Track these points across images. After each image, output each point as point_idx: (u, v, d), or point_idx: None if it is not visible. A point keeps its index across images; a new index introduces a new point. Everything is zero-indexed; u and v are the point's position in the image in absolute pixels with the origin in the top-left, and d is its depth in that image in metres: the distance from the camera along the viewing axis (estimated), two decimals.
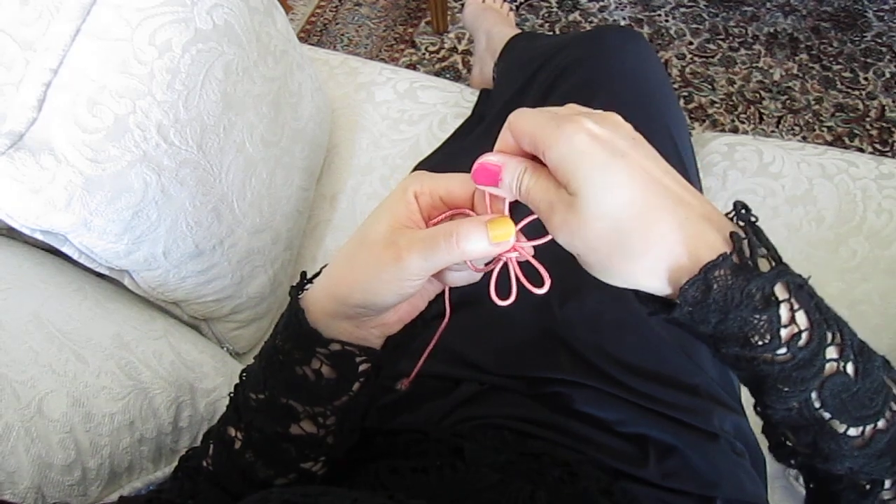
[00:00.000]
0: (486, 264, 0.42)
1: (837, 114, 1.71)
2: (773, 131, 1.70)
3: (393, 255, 0.39)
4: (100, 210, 0.64)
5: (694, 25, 1.90)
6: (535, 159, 0.39)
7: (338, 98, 1.13)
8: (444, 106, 1.11)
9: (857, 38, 1.84)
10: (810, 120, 1.71)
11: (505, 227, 0.38)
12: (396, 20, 2.01)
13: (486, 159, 0.39)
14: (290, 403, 0.48)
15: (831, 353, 0.35)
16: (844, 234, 0.93)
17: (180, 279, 0.77)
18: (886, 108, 1.72)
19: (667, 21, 1.92)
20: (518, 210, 0.40)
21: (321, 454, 0.50)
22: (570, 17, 1.95)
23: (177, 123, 0.69)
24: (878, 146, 1.66)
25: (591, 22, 1.94)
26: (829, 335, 0.36)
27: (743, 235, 0.36)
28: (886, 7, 1.89)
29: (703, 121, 1.74)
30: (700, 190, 0.84)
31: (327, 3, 2.06)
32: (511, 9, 1.56)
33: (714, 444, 0.67)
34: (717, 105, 1.76)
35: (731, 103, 1.76)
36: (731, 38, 1.87)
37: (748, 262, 0.35)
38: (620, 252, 0.35)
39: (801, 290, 0.36)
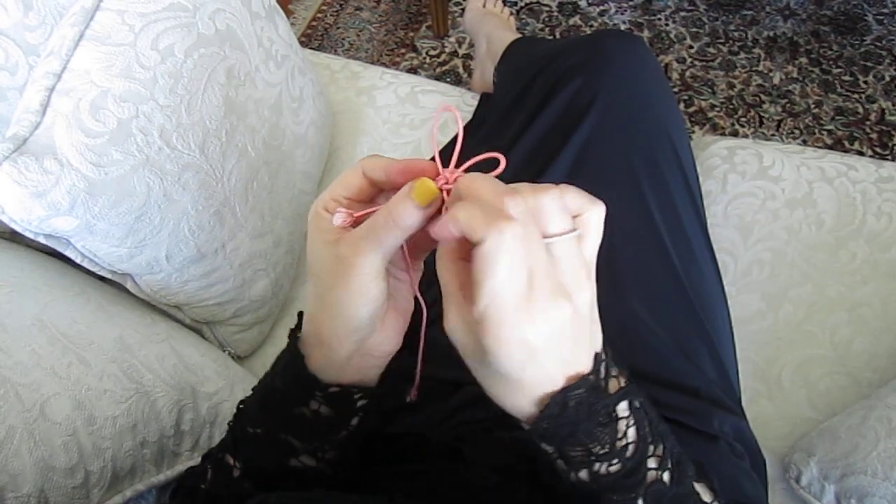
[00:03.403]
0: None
1: (837, 117, 1.72)
2: (773, 135, 1.71)
3: (345, 268, 0.40)
4: (103, 214, 0.65)
5: (694, 29, 1.91)
6: None
7: (339, 102, 1.14)
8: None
9: (856, 42, 1.84)
10: (810, 123, 1.72)
11: (425, 187, 0.38)
12: (397, 24, 2.01)
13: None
14: (289, 439, 0.48)
15: (651, 463, 0.40)
16: (844, 238, 0.93)
17: (182, 283, 0.77)
18: (886, 111, 1.72)
19: (667, 25, 1.92)
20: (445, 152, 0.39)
21: (322, 484, 0.50)
22: (571, 21, 1.95)
23: (179, 128, 0.69)
24: (877, 149, 1.67)
25: (591, 26, 1.94)
26: (652, 448, 0.40)
27: (604, 357, 0.39)
28: (886, 11, 1.89)
29: (704, 124, 1.74)
30: (700, 195, 0.84)
31: (328, 7, 2.07)
32: (511, 13, 1.56)
33: (714, 446, 0.67)
34: (717, 109, 1.76)
35: (731, 107, 1.76)
36: (730, 41, 1.87)
37: (601, 383, 0.38)
38: (514, 378, 0.36)
39: (638, 410, 0.40)
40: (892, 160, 1.62)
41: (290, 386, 0.46)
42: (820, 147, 1.52)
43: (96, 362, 0.64)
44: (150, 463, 0.67)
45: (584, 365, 0.38)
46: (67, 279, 0.73)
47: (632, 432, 0.39)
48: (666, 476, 0.40)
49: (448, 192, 0.39)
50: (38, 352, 0.60)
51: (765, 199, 0.97)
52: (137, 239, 0.69)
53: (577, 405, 0.37)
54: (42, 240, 0.65)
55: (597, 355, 0.38)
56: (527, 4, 2.00)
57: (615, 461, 0.38)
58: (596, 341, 0.39)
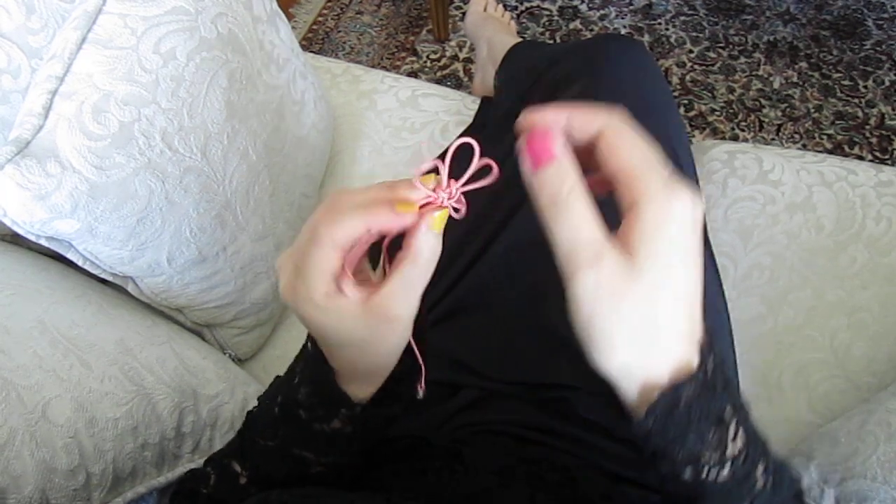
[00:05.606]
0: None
1: (837, 122, 1.72)
2: (772, 139, 1.71)
3: (390, 324, 0.39)
4: (105, 216, 0.65)
5: (694, 34, 1.91)
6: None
7: (340, 106, 1.14)
8: (446, 114, 1.12)
9: (856, 47, 1.84)
10: (810, 128, 1.72)
11: (437, 215, 0.38)
12: (398, 28, 2.02)
13: (548, 138, 0.37)
14: (303, 454, 0.48)
15: (760, 469, 0.37)
16: (844, 242, 0.93)
17: (184, 285, 0.78)
18: (886, 116, 1.72)
19: (667, 29, 1.93)
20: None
21: (323, 484, 0.50)
22: (571, 26, 1.96)
23: (181, 131, 0.70)
24: (877, 154, 1.67)
25: (591, 30, 1.95)
26: (759, 453, 0.37)
27: (709, 350, 0.36)
28: (886, 15, 1.90)
29: (704, 129, 1.75)
30: (700, 200, 0.84)
31: (329, 11, 2.07)
32: (512, 17, 1.56)
33: None
34: (717, 113, 1.77)
35: (731, 111, 1.76)
36: (730, 46, 1.88)
37: (711, 380, 0.36)
38: (641, 338, 0.34)
39: (742, 410, 0.37)
40: (892, 164, 1.63)
41: (316, 399, 0.46)
42: (820, 151, 1.52)
43: (97, 365, 0.64)
44: (151, 465, 0.68)
45: (690, 350, 0.36)
46: (69, 282, 0.73)
47: (741, 435, 0.37)
48: (770, 482, 0.38)
49: (455, 201, 0.38)
50: (39, 354, 0.60)
51: (765, 204, 0.97)
52: (139, 242, 0.69)
53: (688, 403, 0.35)
54: (44, 242, 0.66)
55: (702, 347, 0.36)
56: (527, 9, 2.00)
57: (727, 467, 0.36)
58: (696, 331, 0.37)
